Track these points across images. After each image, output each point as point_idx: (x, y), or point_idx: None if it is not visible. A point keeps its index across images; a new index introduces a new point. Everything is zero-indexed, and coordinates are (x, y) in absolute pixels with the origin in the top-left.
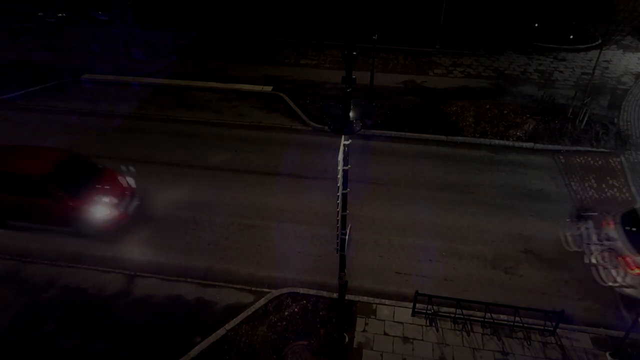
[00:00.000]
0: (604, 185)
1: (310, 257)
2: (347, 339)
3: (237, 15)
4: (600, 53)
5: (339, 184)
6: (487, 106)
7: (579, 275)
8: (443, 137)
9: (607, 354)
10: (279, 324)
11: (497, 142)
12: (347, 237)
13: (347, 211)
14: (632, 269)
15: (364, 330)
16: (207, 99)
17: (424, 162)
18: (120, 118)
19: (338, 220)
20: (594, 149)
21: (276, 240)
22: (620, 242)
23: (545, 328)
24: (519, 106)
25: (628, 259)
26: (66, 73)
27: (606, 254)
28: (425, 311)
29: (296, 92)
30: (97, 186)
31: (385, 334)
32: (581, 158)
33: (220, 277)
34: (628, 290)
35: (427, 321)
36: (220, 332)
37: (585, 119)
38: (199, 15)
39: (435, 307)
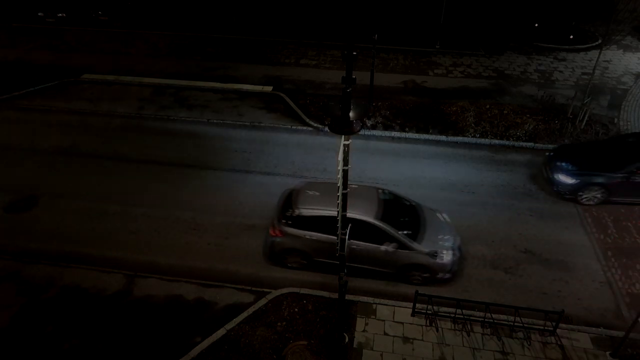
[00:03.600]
0: None
1: None
2: (347, 339)
3: (237, 15)
4: (600, 53)
5: (339, 184)
6: (487, 106)
7: (579, 274)
8: (443, 137)
9: (607, 353)
10: (279, 324)
11: (497, 142)
12: (347, 237)
13: (347, 211)
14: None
15: (364, 330)
16: (207, 99)
17: (424, 162)
18: (120, 118)
19: (338, 220)
20: None
21: None
22: None
23: (545, 328)
24: (519, 106)
25: None
26: (66, 73)
27: None
28: (425, 311)
29: (296, 92)
30: None
31: (385, 334)
32: None
33: (221, 277)
34: None
35: (427, 321)
36: (220, 332)
37: (585, 119)
38: (199, 15)
39: (435, 307)
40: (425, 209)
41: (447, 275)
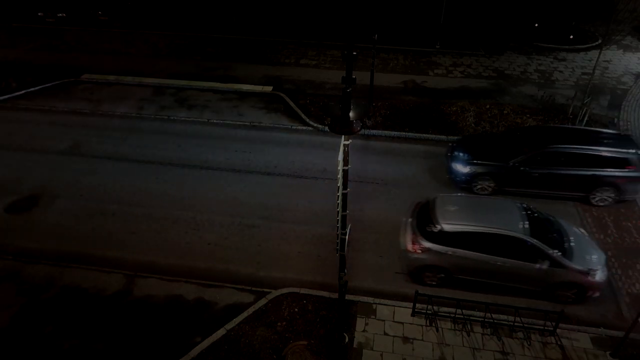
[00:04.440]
0: None
1: (310, 257)
2: (347, 339)
3: (237, 15)
4: (600, 53)
5: (339, 184)
6: (487, 106)
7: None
8: (443, 137)
9: (607, 353)
10: (279, 324)
11: None
12: (347, 237)
13: (347, 211)
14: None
15: (364, 330)
16: (207, 99)
17: (424, 162)
18: (120, 118)
19: (338, 220)
20: None
21: (276, 240)
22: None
23: (545, 328)
24: (519, 106)
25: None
26: (66, 73)
27: None
28: (425, 311)
29: (296, 92)
30: None
31: (385, 334)
32: None
33: (221, 277)
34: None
35: (427, 321)
36: (220, 332)
37: (586, 119)
38: (199, 15)
39: (435, 307)
40: (565, 224)
41: (598, 294)
